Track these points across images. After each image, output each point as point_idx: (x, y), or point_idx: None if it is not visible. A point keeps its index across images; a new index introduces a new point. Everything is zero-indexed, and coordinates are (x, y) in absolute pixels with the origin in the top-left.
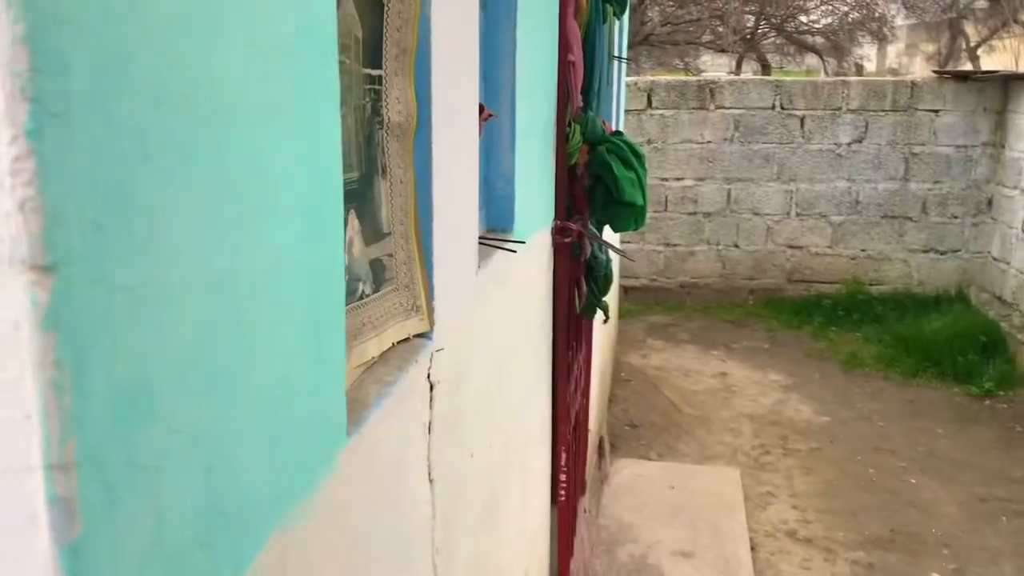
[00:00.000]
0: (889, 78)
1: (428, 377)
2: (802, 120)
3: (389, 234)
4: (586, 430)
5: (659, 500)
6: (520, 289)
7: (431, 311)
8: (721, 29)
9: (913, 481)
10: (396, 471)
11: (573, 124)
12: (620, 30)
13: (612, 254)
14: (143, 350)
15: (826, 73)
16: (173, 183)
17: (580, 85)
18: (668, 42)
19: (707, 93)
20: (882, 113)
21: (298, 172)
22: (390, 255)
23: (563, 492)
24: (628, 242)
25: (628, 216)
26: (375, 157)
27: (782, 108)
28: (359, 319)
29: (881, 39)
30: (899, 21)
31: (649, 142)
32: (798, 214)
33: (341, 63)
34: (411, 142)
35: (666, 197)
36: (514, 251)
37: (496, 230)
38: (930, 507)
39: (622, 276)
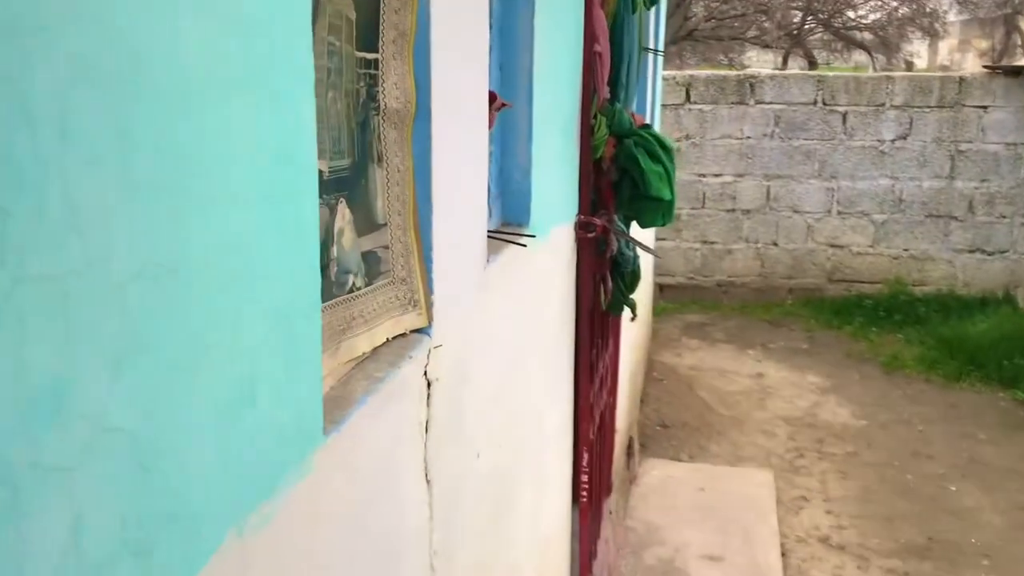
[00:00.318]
0: (936, 73)
1: (425, 374)
2: (844, 116)
3: (385, 225)
4: (613, 430)
5: (689, 502)
6: (537, 285)
7: (429, 306)
8: (767, 24)
9: (953, 488)
10: (386, 471)
11: (599, 116)
12: (656, 22)
13: (640, 251)
14: (63, 344)
15: (874, 70)
16: (102, 166)
17: (607, 77)
18: (712, 37)
19: (747, 88)
20: (927, 109)
21: (260, 157)
22: (386, 247)
23: (585, 493)
24: (664, 239)
25: (655, 211)
26: (370, 144)
27: (824, 104)
28: (349, 313)
29: (932, 35)
30: (951, 17)
31: (687, 137)
32: (839, 212)
33: (330, 45)
34: (410, 130)
35: (704, 194)
36: (524, 245)
37: (512, 224)
38: (970, 515)
39: (658, 274)
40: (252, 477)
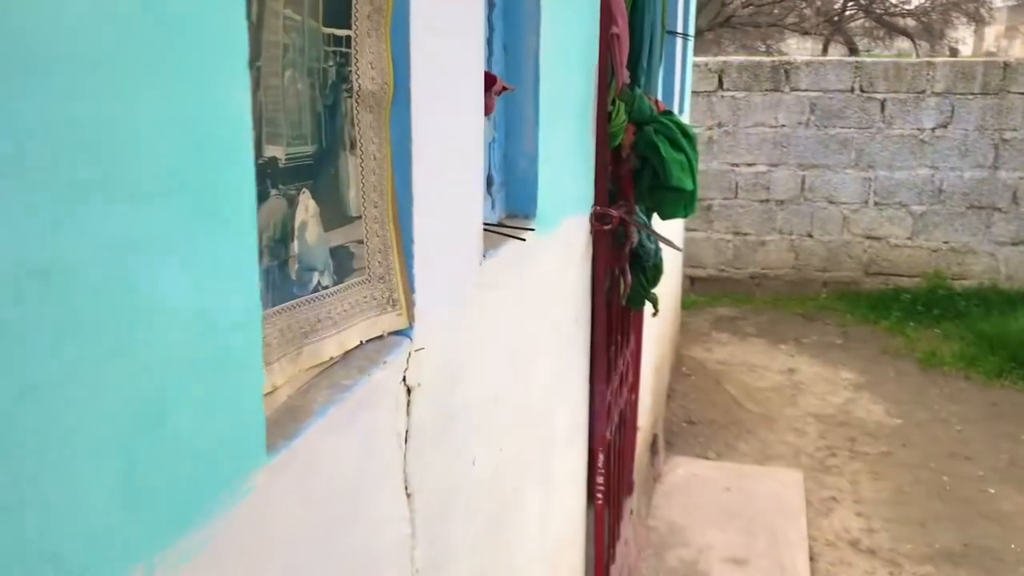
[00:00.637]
0: (979, 58)
1: (404, 380)
2: (883, 103)
3: (359, 218)
4: (634, 427)
5: (714, 502)
6: (545, 280)
7: (411, 306)
8: (806, 11)
9: (992, 491)
10: (354, 488)
11: (617, 102)
12: (685, 5)
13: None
14: None
15: (917, 58)
16: None
17: (625, 60)
18: (750, 24)
19: (782, 74)
20: (970, 96)
21: (175, 142)
22: (360, 241)
23: (600, 496)
24: (695, 230)
25: (676, 202)
26: (341, 129)
27: (862, 91)
28: (314, 314)
29: (978, 21)
30: (998, 2)
31: (719, 125)
32: (876, 203)
33: (288, 19)
34: (387, 114)
35: (736, 183)
36: (522, 239)
37: (518, 215)
38: (1010, 520)
39: (688, 265)
40: (166, 508)
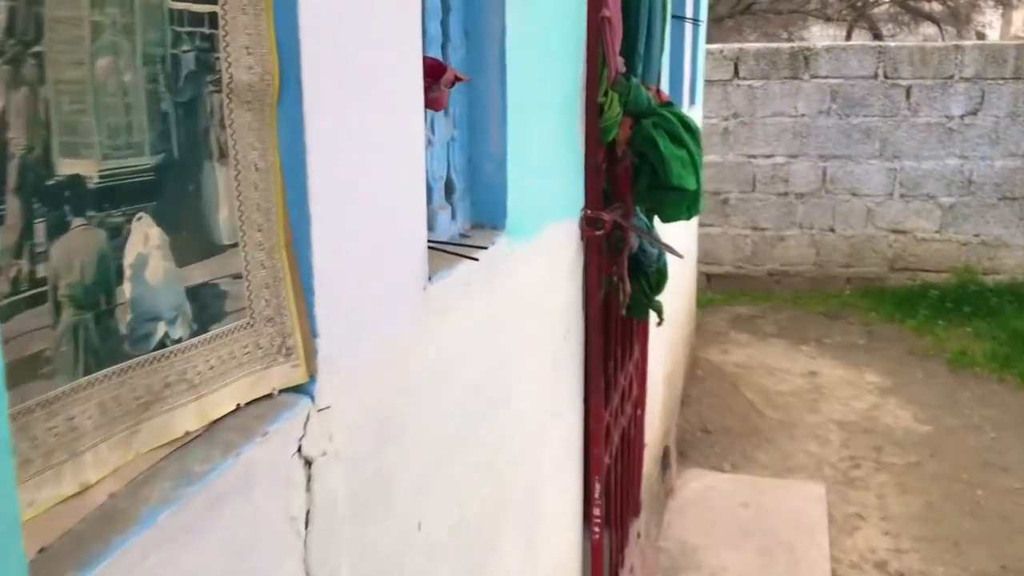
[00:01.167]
0: (1011, 42)
1: (299, 451)
2: (908, 90)
3: (235, 245)
4: (641, 443)
5: (730, 519)
6: (522, 295)
7: (311, 353)
8: None
9: None
10: None
11: (610, 93)
12: None
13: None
14: None
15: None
16: None
17: (618, 46)
18: (771, 11)
19: (801, 61)
20: (1001, 81)
21: None
22: (237, 275)
23: (597, 529)
24: (711, 225)
25: (678, 203)
26: (205, 133)
27: (886, 77)
28: (159, 378)
29: (1005, 4)
30: None
31: (736, 115)
32: (902, 195)
33: None
34: (273, 112)
35: (754, 176)
36: (475, 259)
37: (484, 225)
38: None
39: (704, 262)
40: None
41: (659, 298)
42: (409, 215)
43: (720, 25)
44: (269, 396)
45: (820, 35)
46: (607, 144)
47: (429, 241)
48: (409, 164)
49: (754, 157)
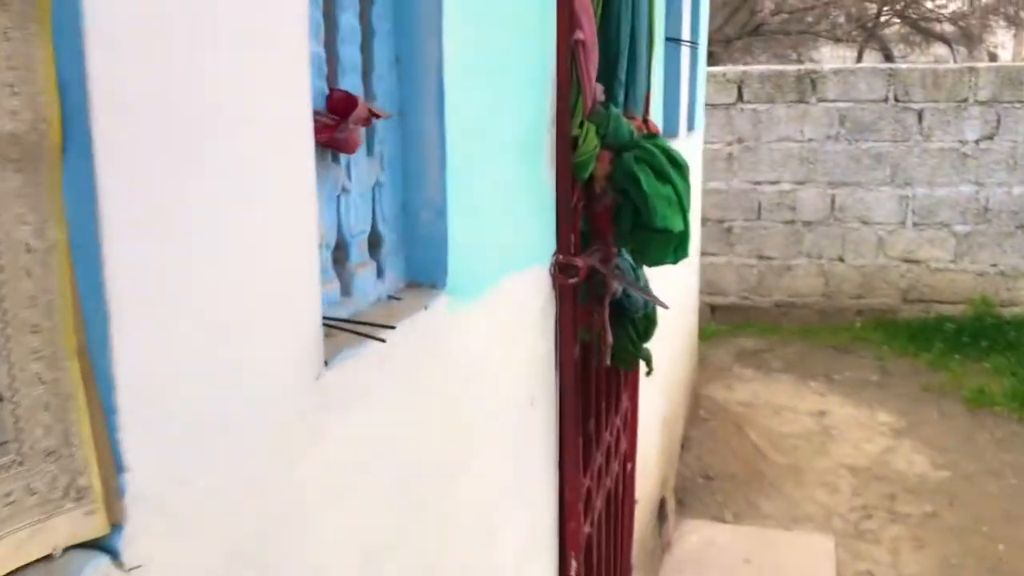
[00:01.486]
0: None
1: None
2: (920, 114)
3: None
4: (631, 503)
5: None
6: (466, 366)
7: (115, 494)
8: (840, 18)
9: None
10: None
11: (586, 124)
12: (694, 9)
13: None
14: None
15: (955, 63)
16: None
17: (594, 72)
18: (780, 32)
19: (807, 84)
20: (1018, 105)
21: None
22: None
23: None
24: (714, 254)
25: (663, 246)
26: None
27: (896, 100)
28: None
29: (1018, 24)
30: None
31: (740, 140)
32: (915, 223)
33: None
34: (55, 172)
35: (759, 203)
36: (382, 340)
37: (422, 283)
38: None
39: (708, 293)
40: None
41: (649, 344)
42: (288, 288)
43: (729, 46)
44: (48, 558)
45: (831, 56)
46: (584, 181)
47: (327, 317)
48: (287, 223)
49: (759, 183)
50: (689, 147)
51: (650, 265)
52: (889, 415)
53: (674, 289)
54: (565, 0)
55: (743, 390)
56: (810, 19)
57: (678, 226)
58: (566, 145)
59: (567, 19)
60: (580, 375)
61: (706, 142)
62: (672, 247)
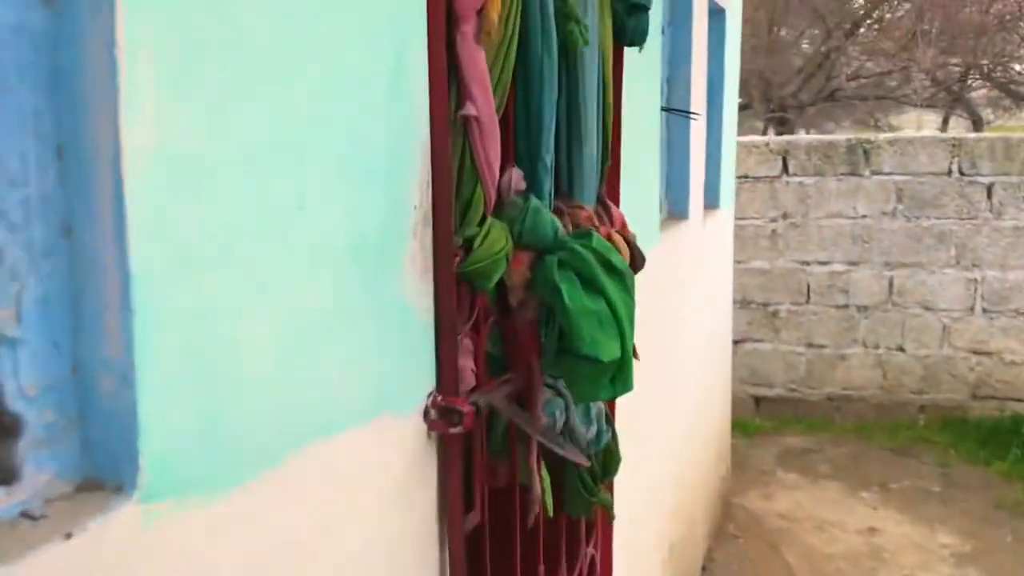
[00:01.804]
0: None
1: None
2: (989, 188)
3: None
4: None
5: None
6: None
7: None
8: (925, 81)
9: None
10: None
11: (489, 221)
12: (713, 72)
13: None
14: None
15: None
16: None
17: (497, 156)
18: (856, 97)
19: (860, 155)
20: None
21: None
22: None
23: None
24: (759, 340)
25: (593, 377)
26: None
27: (961, 173)
28: None
29: None
30: None
31: (785, 216)
32: (985, 310)
33: None
34: None
35: (808, 285)
36: None
37: (105, 484)
38: None
39: (750, 383)
40: None
41: (618, 475)
42: None
43: (803, 112)
44: None
45: (916, 121)
46: (490, 291)
47: None
48: None
49: (808, 264)
50: (710, 227)
51: (579, 400)
52: (952, 536)
53: (688, 382)
54: (438, 62)
55: (784, 499)
56: (892, 83)
57: (611, 353)
58: (449, 250)
59: (445, 89)
60: (491, 544)
61: (746, 218)
62: (606, 379)
